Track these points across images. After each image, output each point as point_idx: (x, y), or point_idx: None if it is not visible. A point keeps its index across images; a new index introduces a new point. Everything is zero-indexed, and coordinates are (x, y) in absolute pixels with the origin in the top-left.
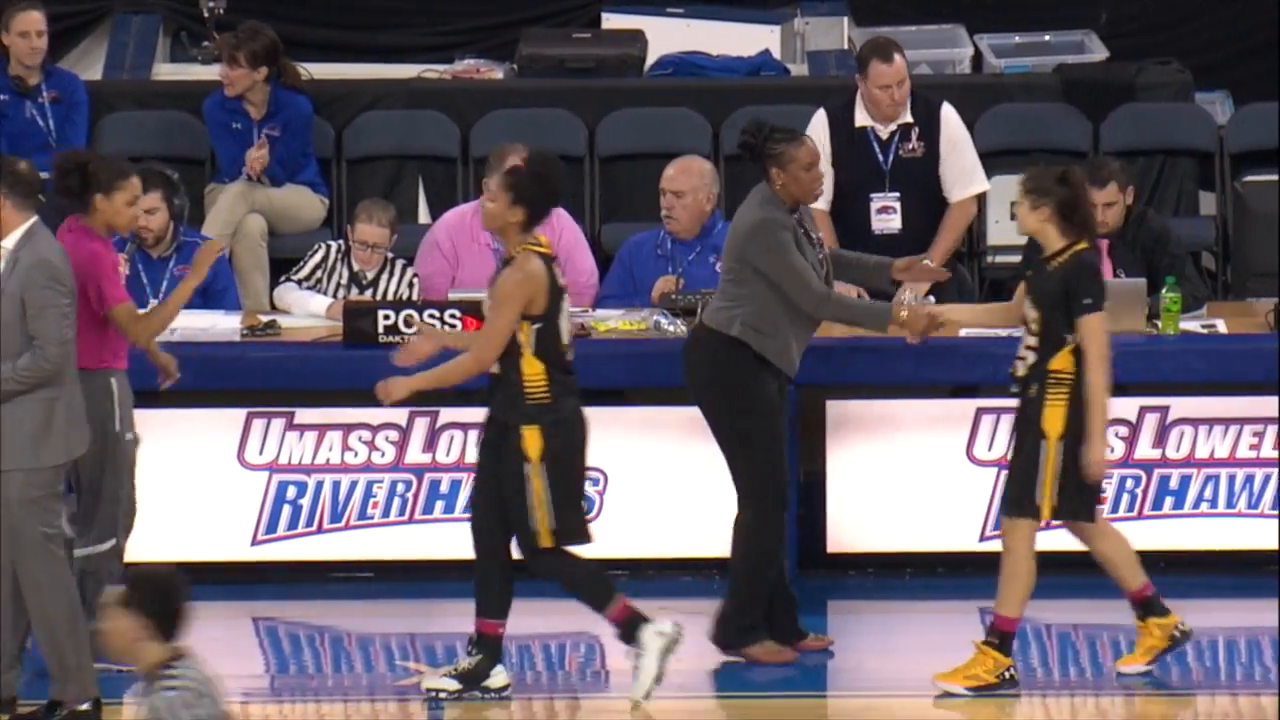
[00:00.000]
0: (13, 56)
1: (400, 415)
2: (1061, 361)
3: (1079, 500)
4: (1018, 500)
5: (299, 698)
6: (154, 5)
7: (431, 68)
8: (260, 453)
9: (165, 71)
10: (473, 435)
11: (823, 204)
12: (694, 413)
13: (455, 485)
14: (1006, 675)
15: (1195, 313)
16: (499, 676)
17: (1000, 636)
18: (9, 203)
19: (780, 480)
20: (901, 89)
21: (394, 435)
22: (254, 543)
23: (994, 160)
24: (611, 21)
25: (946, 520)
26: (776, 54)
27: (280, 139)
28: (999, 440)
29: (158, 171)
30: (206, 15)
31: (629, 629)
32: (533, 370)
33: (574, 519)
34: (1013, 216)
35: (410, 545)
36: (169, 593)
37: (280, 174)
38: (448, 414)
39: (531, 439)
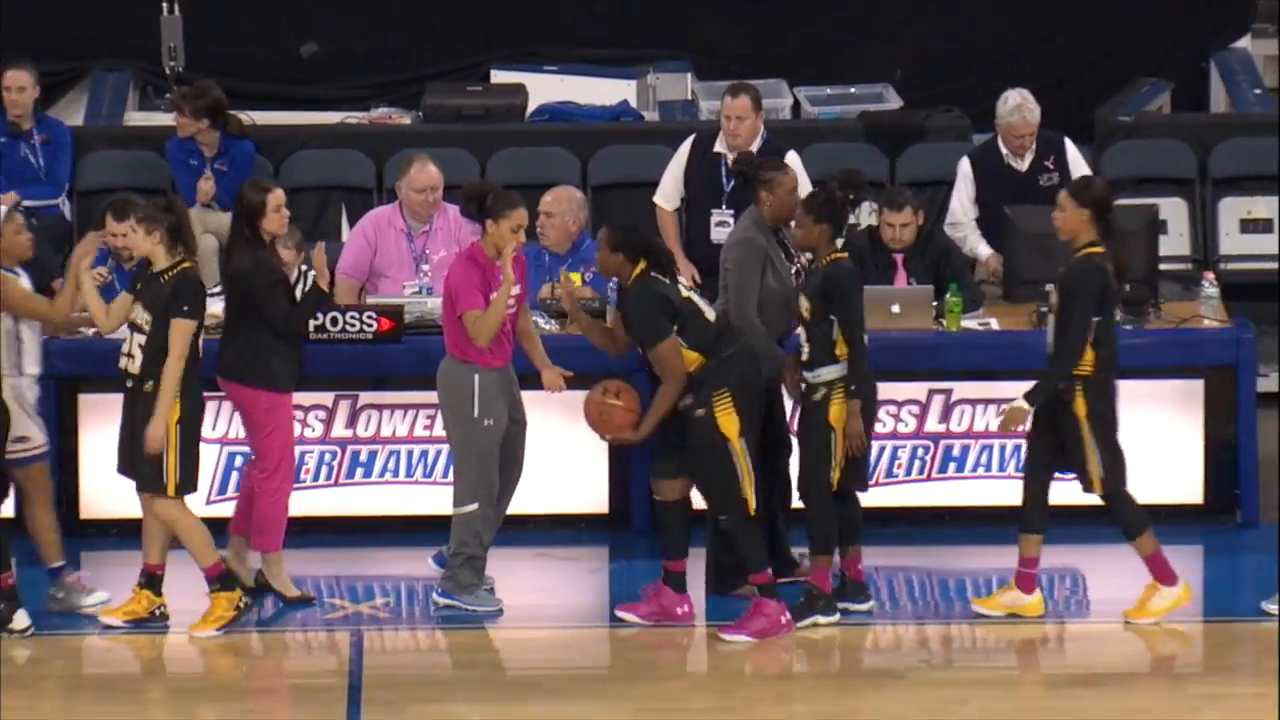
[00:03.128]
0: (6, 106)
1: (327, 398)
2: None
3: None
4: (154, 481)
5: (235, 629)
6: (126, 64)
7: (352, 114)
8: (213, 428)
9: (135, 118)
10: (386, 414)
11: (669, 204)
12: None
13: (372, 455)
14: (157, 613)
15: (973, 313)
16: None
17: (222, 580)
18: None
19: (784, 444)
20: (742, 124)
21: (322, 414)
22: (208, 501)
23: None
24: (499, 77)
25: None
26: (633, 103)
27: (229, 173)
28: None
29: (130, 200)
30: (168, 72)
31: None
32: None
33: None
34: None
35: (335, 504)
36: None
37: (229, 201)
38: (366, 397)
39: None
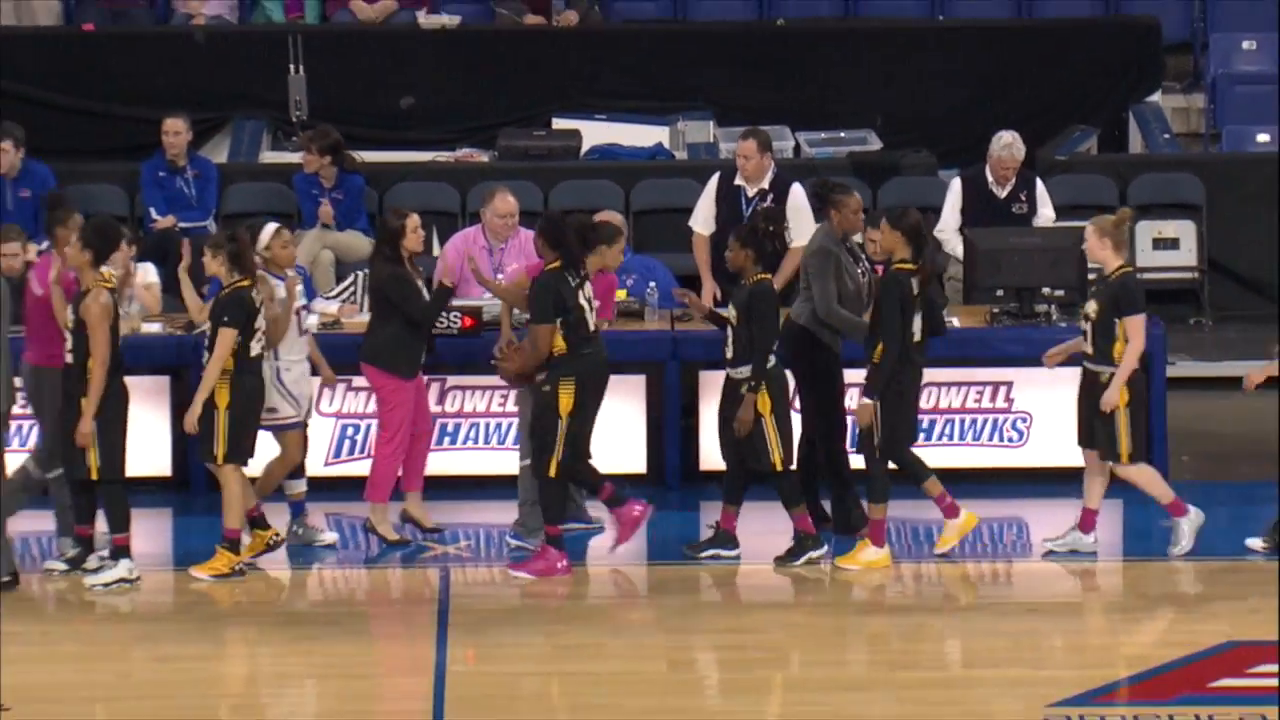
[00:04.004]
0: (165, 147)
1: (422, 381)
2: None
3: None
4: (208, 452)
5: (347, 565)
6: (260, 113)
7: (440, 154)
8: (332, 402)
9: (268, 157)
10: (468, 394)
11: (704, 229)
12: None
13: (457, 427)
14: (238, 569)
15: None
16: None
17: (230, 543)
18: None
19: (841, 412)
20: (749, 162)
21: None
22: (326, 464)
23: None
24: (559, 124)
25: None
26: (666, 145)
27: (343, 201)
28: None
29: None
30: (294, 120)
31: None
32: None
33: (117, 458)
34: None
35: (428, 465)
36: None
37: (344, 224)
38: (453, 380)
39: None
